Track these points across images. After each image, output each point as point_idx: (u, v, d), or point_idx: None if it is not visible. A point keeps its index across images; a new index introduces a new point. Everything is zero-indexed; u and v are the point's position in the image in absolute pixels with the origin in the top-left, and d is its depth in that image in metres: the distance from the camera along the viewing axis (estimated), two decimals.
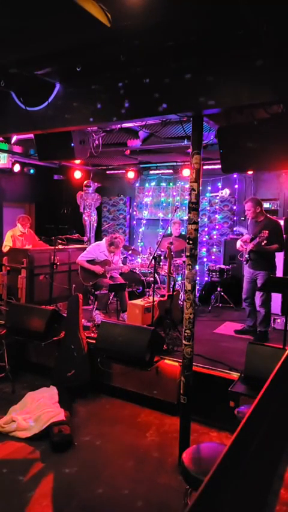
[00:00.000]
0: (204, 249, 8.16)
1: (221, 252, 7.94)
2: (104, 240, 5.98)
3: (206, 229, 8.13)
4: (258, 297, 5.14)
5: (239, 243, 5.30)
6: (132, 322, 5.21)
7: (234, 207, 7.89)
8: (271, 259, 5.06)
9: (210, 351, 4.56)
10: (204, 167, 6.61)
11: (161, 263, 6.41)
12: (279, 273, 6.23)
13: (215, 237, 8.08)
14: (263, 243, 4.80)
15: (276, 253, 5.13)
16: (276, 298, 6.29)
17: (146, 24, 2.78)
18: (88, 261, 5.75)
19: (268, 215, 5.28)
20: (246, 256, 5.17)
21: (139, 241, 9.03)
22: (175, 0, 2.58)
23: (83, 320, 4.92)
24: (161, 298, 5.23)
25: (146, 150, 6.72)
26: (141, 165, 8.56)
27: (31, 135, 4.81)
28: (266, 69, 2.89)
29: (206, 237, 8.14)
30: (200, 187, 3.37)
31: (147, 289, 6.35)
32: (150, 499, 2.91)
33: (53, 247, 5.93)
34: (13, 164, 7.23)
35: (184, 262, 6.15)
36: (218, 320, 6.24)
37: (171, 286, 5.38)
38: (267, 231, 4.79)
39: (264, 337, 5.03)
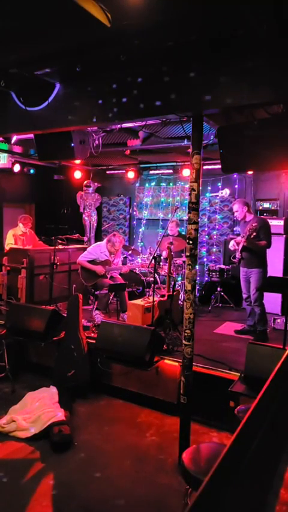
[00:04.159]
0: (204, 249, 8.16)
1: (221, 252, 7.94)
2: (104, 240, 5.98)
3: (206, 229, 8.13)
4: (251, 294, 5.16)
5: (231, 243, 5.34)
6: (132, 322, 5.21)
7: None
8: (262, 257, 5.11)
9: (210, 351, 4.56)
10: (204, 167, 6.60)
11: (161, 263, 6.41)
12: (279, 272, 6.24)
13: (215, 237, 8.08)
14: (252, 236, 4.85)
15: (274, 252, 5.17)
16: (276, 298, 6.29)
17: (146, 24, 2.78)
18: (89, 261, 5.75)
19: (255, 215, 5.36)
20: (239, 256, 5.20)
21: (139, 241, 9.03)
22: (175, 0, 2.58)
23: (83, 320, 4.92)
24: (161, 298, 5.23)
25: (146, 150, 6.71)
26: (141, 165, 8.56)
27: (31, 135, 4.81)
28: (266, 69, 2.89)
29: (206, 237, 8.14)
30: (200, 187, 3.37)
31: (147, 289, 6.35)
32: (150, 499, 2.91)
33: (53, 247, 5.94)
34: (13, 164, 7.22)
35: (184, 262, 6.15)
36: (218, 320, 6.24)
37: (171, 286, 5.38)
38: (256, 224, 4.95)
39: (264, 336, 5.04)
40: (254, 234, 4.90)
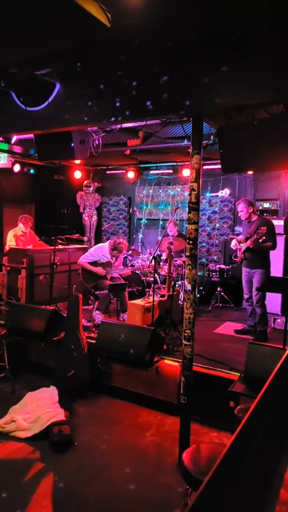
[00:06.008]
0: (204, 249, 8.16)
1: (221, 252, 7.95)
2: (107, 243, 5.94)
3: (206, 229, 8.13)
4: (253, 295, 5.16)
5: (233, 242, 5.32)
6: (132, 322, 5.21)
7: (234, 207, 7.89)
8: (266, 258, 5.10)
9: (210, 351, 4.56)
10: (204, 167, 6.60)
11: (161, 263, 6.40)
12: (279, 272, 6.24)
13: (215, 237, 8.08)
14: (261, 239, 4.82)
15: (274, 252, 5.17)
16: (276, 298, 6.29)
17: (146, 24, 2.78)
18: (90, 263, 5.73)
19: (260, 215, 5.33)
20: (241, 255, 5.19)
21: (139, 241, 9.03)
22: (175, 0, 2.59)
23: (83, 320, 4.92)
24: (161, 298, 5.23)
25: (146, 150, 6.72)
26: (141, 165, 8.57)
27: (31, 135, 4.81)
28: (266, 69, 2.89)
29: (206, 237, 8.14)
30: (200, 187, 3.37)
31: (147, 289, 6.35)
32: (150, 499, 2.91)
33: (53, 247, 5.94)
34: (13, 164, 7.22)
35: (184, 262, 6.15)
36: (218, 320, 6.24)
37: (171, 286, 5.38)
38: (265, 227, 4.88)
39: (264, 337, 5.04)
40: (264, 238, 4.83)
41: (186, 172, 7.31)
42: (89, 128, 4.73)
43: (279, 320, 5.61)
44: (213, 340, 5.15)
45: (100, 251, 5.82)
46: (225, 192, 7.93)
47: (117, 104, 3.61)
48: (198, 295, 7.15)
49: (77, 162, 7.98)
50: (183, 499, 2.58)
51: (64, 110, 3.95)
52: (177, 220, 7.97)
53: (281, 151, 3.23)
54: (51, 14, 2.70)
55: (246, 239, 5.08)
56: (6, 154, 7.24)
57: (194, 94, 3.20)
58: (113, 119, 3.69)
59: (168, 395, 4.11)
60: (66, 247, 6.47)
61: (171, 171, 8.49)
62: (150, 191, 8.94)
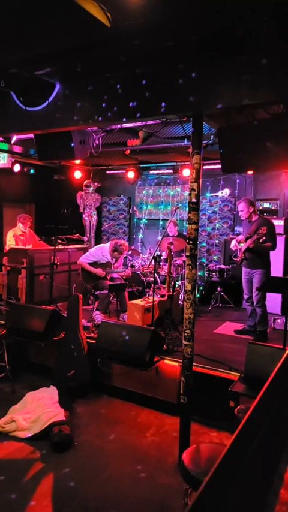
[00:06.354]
0: (204, 249, 8.16)
1: (221, 252, 7.95)
2: (108, 244, 5.93)
3: (206, 229, 8.13)
4: (253, 295, 5.16)
5: (233, 243, 5.32)
6: (132, 322, 5.21)
7: (234, 207, 7.89)
8: (266, 258, 5.09)
9: (210, 351, 4.56)
10: (204, 167, 6.60)
11: (161, 263, 6.40)
12: (279, 272, 6.24)
13: (215, 237, 8.08)
14: (261, 239, 4.82)
15: (274, 252, 5.17)
16: (276, 298, 6.29)
17: (146, 24, 2.78)
18: (90, 263, 5.72)
19: (260, 215, 5.33)
20: (241, 256, 5.18)
21: (139, 241, 9.04)
22: (175, 0, 2.59)
23: (83, 320, 4.92)
24: (161, 298, 5.23)
25: (146, 150, 6.71)
26: (141, 165, 8.56)
27: (31, 135, 4.81)
28: (266, 69, 2.89)
29: (206, 237, 8.15)
30: (200, 187, 3.37)
31: (147, 289, 6.35)
32: (150, 499, 2.91)
33: (53, 247, 5.94)
34: (13, 164, 7.21)
35: (184, 262, 6.14)
36: (218, 320, 6.24)
37: (171, 286, 5.38)
38: (265, 228, 4.87)
39: (264, 337, 5.03)
40: (264, 238, 4.84)
41: (186, 172, 7.30)
42: (89, 128, 4.73)
43: (279, 320, 5.61)
44: (213, 340, 5.15)
45: (100, 252, 5.82)
46: (225, 192, 7.93)
47: (118, 104, 3.61)
48: (198, 295, 7.15)
49: (77, 162, 7.98)
50: (183, 499, 2.57)
51: (64, 110, 3.95)
52: (177, 220, 7.97)
53: (281, 151, 3.23)
54: (51, 14, 2.70)
55: (246, 239, 5.08)
56: (6, 154, 7.24)
57: (194, 94, 3.20)
58: (113, 118, 3.70)
59: (168, 395, 4.11)
60: (66, 247, 6.47)
61: (171, 171, 8.49)
62: (150, 191, 8.94)
